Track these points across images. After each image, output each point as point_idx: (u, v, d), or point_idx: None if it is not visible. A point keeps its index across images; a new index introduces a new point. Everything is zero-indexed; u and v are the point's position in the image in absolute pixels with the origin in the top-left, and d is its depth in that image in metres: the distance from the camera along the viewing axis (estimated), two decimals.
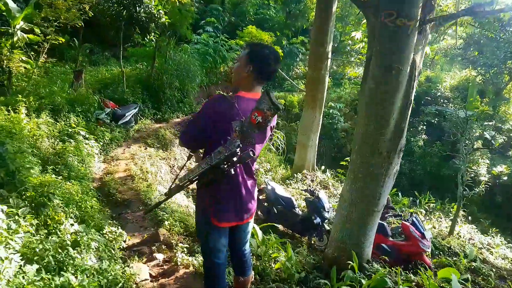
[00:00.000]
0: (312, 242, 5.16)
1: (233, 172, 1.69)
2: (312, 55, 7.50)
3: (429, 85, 13.78)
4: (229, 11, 17.18)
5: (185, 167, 3.08)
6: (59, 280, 1.97)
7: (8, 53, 5.31)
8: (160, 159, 6.95)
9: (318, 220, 5.14)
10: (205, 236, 1.94)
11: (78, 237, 2.70)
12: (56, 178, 3.81)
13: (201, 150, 1.99)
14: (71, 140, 5.21)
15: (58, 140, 5.01)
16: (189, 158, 2.03)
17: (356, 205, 3.24)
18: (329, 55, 7.38)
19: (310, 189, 5.80)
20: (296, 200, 6.11)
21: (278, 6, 18.31)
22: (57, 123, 5.35)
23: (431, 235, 4.65)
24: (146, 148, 7.05)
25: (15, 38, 5.53)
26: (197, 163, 1.80)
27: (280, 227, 5.59)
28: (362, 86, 3.27)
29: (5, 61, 4.79)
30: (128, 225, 3.89)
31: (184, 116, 9.49)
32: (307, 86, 7.88)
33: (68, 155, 4.69)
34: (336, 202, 5.90)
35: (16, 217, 2.34)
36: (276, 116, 1.71)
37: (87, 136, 5.68)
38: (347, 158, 7.97)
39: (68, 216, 2.94)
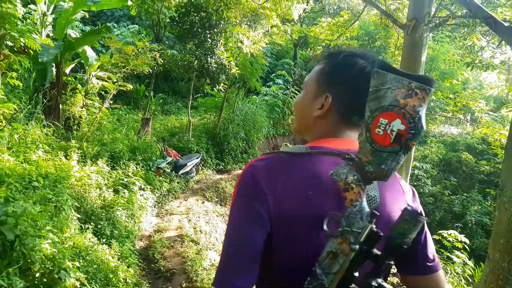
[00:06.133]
0: None
1: None
2: None
3: None
4: (301, 66, 17.12)
5: None
6: None
7: (82, 100, 5.35)
8: (217, 215, 6.34)
9: None
10: None
11: None
12: (92, 238, 3.28)
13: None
14: (125, 191, 4.82)
15: (111, 190, 4.63)
16: None
17: None
18: None
19: None
20: None
21: None
22: (114, 172, 5.04)
23: None
24: (203, 202, 6.51)
25: (90, 85, 5.60)
26: None
27: None
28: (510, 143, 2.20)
29: (71, 106, 4.77)
30: None
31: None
32: None
33: (116, 209, 4.23)
34: None
35: None
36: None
37: (143, 186, 5.28)
38: (443, 232, 6.55)
39: None
